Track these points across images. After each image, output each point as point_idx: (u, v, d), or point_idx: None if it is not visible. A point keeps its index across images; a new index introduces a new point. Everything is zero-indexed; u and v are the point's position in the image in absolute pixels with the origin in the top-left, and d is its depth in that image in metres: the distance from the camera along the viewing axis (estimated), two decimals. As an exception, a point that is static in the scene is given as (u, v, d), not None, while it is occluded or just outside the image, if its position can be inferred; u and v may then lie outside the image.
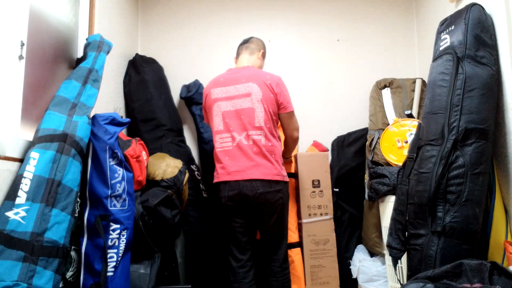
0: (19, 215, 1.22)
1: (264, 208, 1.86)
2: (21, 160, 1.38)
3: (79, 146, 1.44)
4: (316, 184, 2.38)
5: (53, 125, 1.41)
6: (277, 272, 1.93)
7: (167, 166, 1.98)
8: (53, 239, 1.26)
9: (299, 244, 2.32)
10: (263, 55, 2.18)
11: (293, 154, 2.36)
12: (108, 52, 1.84)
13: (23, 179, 1.27)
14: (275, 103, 1.94)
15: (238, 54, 2.14)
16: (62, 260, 1.28)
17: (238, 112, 1.90)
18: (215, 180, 1.93)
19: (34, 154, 1.32)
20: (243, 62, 2.07)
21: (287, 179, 1.95)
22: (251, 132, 1.87)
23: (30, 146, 1.37)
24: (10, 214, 1.21)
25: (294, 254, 2.26)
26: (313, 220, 2.34)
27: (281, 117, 1.99)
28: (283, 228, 1.97)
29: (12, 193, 1.25)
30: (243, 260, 1.92)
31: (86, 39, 1.85)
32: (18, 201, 1.24)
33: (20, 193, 1.25)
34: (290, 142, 2.11)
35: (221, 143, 1.91)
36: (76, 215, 1.41)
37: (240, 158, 1.86)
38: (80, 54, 1.95)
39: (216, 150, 1.93)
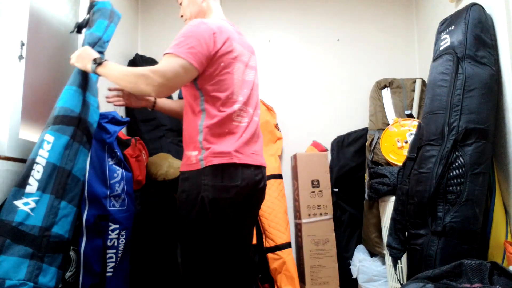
0: (28, 206, 1.16)
1: (261, 200, 1.50)
2: (21, 160, 1.38)
3: (90, 133, 1.38)
4: (315, 184, 2.38)
5: (71, 105, 1.34)
6: None
7: (169, 167, 1.98)
8: (59, 233, 1.21)
9: (290, 245, 2.32)
10: None
11: (291, 154, 2.35)
12: (116, 25, 1.65)
13: (35, 165, 1.21)
14: None
15: (208, 5, 1.52)
16: (64, 255, 1.26)
17: (253, 85, 1.49)
18: (230, 160, 1.30)
19: (49, 137, 1.25)
20: (222, 15, 1.54)
21: None
22: (258, 111, 1.51)
23: (46, 125, 1.30)
24: (19, 203, 1.16)
25: (286, 254, 2.26)
26: (312, 220, 2.33)
27: None
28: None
29: (23, 180, 1.19)
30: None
31: (93, 3, 1.61)
32: (28, 189, 1.18)
33: (31, 180, 1.19)
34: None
35: (238, 116, 1.39)
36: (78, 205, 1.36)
37: (253, 139, 1.43)
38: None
39: (233, 123, 1.37)
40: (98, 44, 1.50)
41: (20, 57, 1.43)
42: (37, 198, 1.18)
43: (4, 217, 1.14)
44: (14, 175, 1.33)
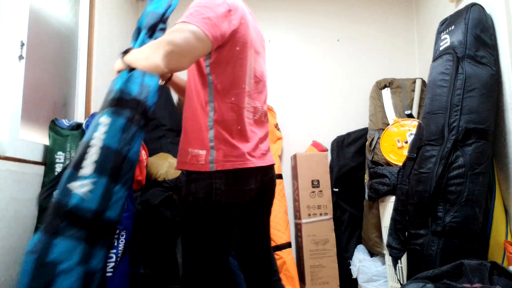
0: (84, 188, 1.12)
1: (272, 198, 1.39)
2: (21, 160, 1.38)
3: (147, 116, 1.32)
4: (315, 184, 2.38)
5: (128, 87, 1.28)
6: None
7: (169, 167, 1.98)
8: (111, 217, 1.17)
9: (290, 245, 2.32)
10: None
11: (291, 154, 2.35)
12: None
13: (89, 148, 1.16)
14: None
15: None
16: (112, 238, 1.22)
17: (262, 76, 1.32)
18: (237, 166, 1.17)
19: (105, 120, 1.20)
20: None
21: None
22: (266, 106, 1.36)
23: (101, 108, 1.26)
24: (74, 186, 1.11)
25: (286, 254, 2.26)
26: (312, 220, 2.33)
27: None
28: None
29: (78, 163, 1.14)
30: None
31: None
32: (83, 172, 1.13)
33: (86, 163, 1.14)
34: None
35: (247, 110, 1.23)
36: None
37: (265, 137, 1.33)
38: (80, 53, 1.95)
39: (246, 121, 1.22)
40: (160, 24, 1.39)
41: (20, 57, 1.43)
42: (92, 180, 1.13)
43: (59, 200, 1.10)
44: (14, 175, 1.33)
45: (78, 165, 1.15)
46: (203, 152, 1.17)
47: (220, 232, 1.18)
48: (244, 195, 1.19)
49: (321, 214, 2.35)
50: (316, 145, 2.59)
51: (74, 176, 1.13)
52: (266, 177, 1.28)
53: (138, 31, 1.40)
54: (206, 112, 1.17)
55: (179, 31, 1.06)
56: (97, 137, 1.18)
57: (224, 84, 1.17)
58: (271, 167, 1.32)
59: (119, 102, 1.24)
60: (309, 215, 2.34)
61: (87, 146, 1.17)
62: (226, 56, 1.16)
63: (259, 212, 1.34)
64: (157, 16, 1.37)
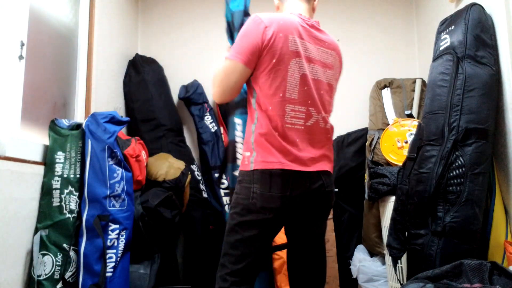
0: None
1: (326, 208, 1.39)
2: (21, 160, 1.38)
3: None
4: None
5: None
6: None
7: (169, 167, 1.98)
8: None
9: None
10: (316, 6, 1.58)
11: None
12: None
13: (236, 143, 1.56)
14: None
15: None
16: None
17: (320, 84, 1.36)
18: (273, 167, 1.24)
19: (237, 120, 1.58)
20: (299, 9, 1.43)
21: None
22: (327, 114, 1.40)
23: (230, 112, 1.64)
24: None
25: (286, 254, 2.25)
26: None
27: None
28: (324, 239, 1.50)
29: (232, 157, 1.55)
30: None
31: None
32: (239, 163, 1.46)
33: (238, 155, 1.56)
34: None
35: (293, 117, 1.29)
36: None
37: (312, 143, 1.33)
38: (80, 53, 1.95)
39: (286, 126, 1.27)
40: (245, 16, 1.58)
41: (20, 57, 1.43)
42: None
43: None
44: (14, 175, 1.33)
45: (234, 158, 1.54)
46: (247, 154, 1.31)
47: (253, 232, 1.27)
48: (276, 201, 1.24)
49: (321, 214, 2.33)
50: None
51: (235, 168, 1.50)
52: (313, 183, 1.29)
53: (230, 28, 1.61)
54: (253, 120, 1.32)
55: (218, 70, 1.34)
56: (238, 135, 1.57)
57: (264, 93, 1.29)
58: (321, 173, 1.32)
59: (245, 104, 1.47)
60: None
61: (234, 142, 1.56)
62: (264, 69, 1.28)
63: (306, 219, 1.35)
64: (241, 13, 1.57)
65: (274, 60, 1.27)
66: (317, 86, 1.35)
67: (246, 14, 1.57)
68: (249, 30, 1.30)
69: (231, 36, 1.61)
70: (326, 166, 1.35)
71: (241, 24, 1.52)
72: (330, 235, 2.31)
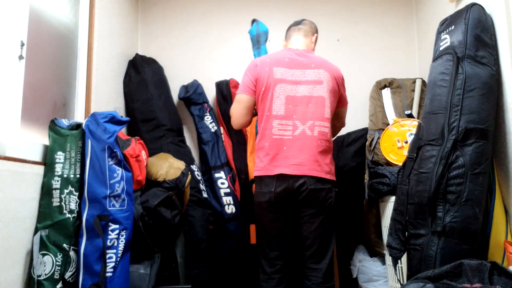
0: None
1: (314, 204, 1.69)
2: (21, 160, 1.38)
3: None
4: None
5: None
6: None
7: (169, 167, 1.98)
8: None
9: None
10: (316, 40, 2.01)
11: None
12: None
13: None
14: (338, 98, 1.85)
15: (289, 37, 1.95)
16: None
17: (306, 99, 1.71)
18: (269, 173, 1.68)
19: None
20: (298, 44, 1.89)
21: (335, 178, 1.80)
22: (318, 122, 1.71)
23: None
24: None
25: None
26: None
27: (341, 110, 1.93)
28: (329, 232, 1.78)
29: None
30: (279, 266, 1.76)
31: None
32: None
33: None
34: (338, 128, 2.03)
35: (280, 130, 1.69)
36: None
37: (300, 150, 1.67)
38: (80, 53, 1.95)
39: (273, 137, 1.69)
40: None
41: (20, 57, 1.43)
42: None
43: None
44: (14, 175, 1.33)
45: None
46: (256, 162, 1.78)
47: (261, 224, 1.80)
48: (264, 196, 1.69)
49: (321, 214, 2.30)
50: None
51: None
52: (295, 183, 1.65)
53: (257, 42, 2.19)
54: (258, 135, 1.79)
55: (233, 104, 1.85)
56: None
57: (260, 114, 1.77)
58: (304, 177, 1.65)
59: None
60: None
61: None
62: (258, 95, 1.76)
63: (298, 214, 1.73)
64: (267, 33, 2.22)
65: (263, 88, 1.73)
66: (303, 101, 1.71)
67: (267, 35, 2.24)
68: (247, 70, 1.81)
69: (258, 46, 2.22)
70: (312, 171, 1.66)
71: (265, 40, 2.23)
72: (330, 235, 2.29)
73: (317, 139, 1.69)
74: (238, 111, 1.79)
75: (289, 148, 1.67)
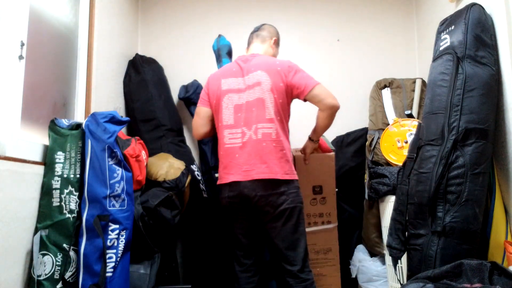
0: None
1: (267, 211, 1.68)
2: (21, 160, 1.38)
3: None
4: (317, 190, 2.10)
5: None
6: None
7: (169, 167, 1.98)
8: None
9: None
10: (276, 43, 1.99)
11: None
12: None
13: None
14: (284, 93, 1.75)
15: (249, 43, 1.98)
16: None
17: (249, 105, 1.73)
18: (223, 181, 1.74)
19: None
20: (256, 50, 1.92)
21: (296, 176, 1.75)
22: (261, 125, 1.70)
23: None
24: None
25: None
26: (313, 230, 2.09)
27: (307, 99, 1.77)
28: (295, 232, 1.72)
29: None
30: (247, 265, 1.79)
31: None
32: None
33: None
34: (326, 116, 1.77)
35: (230, 139, 1.74)
36: None
37: (249, 155, 1.68)
38: (80, 53, 1.95)
39: (225, 147, 1.74)
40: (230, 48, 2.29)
41: (20, 57, 1.43)
42: None
43: None
44: (14, 175, 1.33)
45: None
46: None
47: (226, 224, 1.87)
48: (222, 201, 1.78)
49: (323, 223, 2.10)
50: (321, 143, 2.46)
51: None
52: (245, 189, 1.67)
53: (219, 56, 2.24)
54: None
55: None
56: None
57: (216, 126, 1.85)
58: (255, 182, 1.66)
59: None
60: (309, 224, 2.08)
61: None
62: (212, 108, 1.85)
63: (258, 219, 1.74)
64: (229, 46, 2.25)
65: (214, 101, 1.82)
66: (247, 107, 1.74)
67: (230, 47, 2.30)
68: (205, 85, 1.92)
69: (219, 58, 2.26)
70: (260, 174, 1.66)
71: (228, 52, 2.27)
72: (333, 244, 2.14)
73: (261, 141, 1.68)
74: (196, 122, 1.89)
75: (240, 155, 1.70)
